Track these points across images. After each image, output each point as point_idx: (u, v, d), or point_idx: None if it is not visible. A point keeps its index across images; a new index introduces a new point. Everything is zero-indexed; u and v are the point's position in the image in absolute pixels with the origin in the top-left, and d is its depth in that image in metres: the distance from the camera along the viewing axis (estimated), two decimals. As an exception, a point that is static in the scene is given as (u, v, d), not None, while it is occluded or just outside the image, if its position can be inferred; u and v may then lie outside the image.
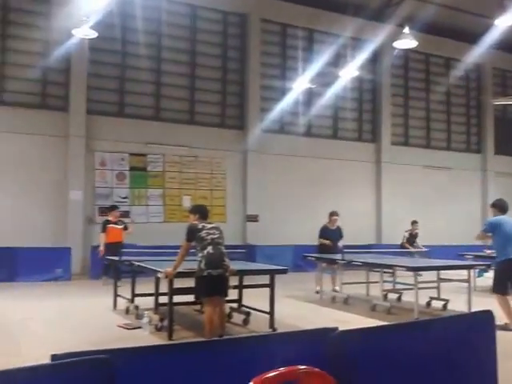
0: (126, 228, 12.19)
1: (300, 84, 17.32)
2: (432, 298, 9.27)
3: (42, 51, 14.39)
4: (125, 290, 8.60)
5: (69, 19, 12.74)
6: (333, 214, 11.34)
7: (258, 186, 16.95)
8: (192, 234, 6.33)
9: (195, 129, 16.41)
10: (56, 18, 14.11)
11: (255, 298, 7.54)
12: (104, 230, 11.88)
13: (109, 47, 15.30)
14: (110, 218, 12.09)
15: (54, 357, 2.35)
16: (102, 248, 11.65)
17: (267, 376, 1.96)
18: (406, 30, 13.00)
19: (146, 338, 6.57)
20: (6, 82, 14.17)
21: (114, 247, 10.68)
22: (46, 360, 2.31)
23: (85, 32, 11.42)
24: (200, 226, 6.36)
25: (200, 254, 6.23)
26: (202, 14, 16.79)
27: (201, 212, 6.67)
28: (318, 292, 10.56)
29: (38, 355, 5.07)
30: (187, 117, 16.64)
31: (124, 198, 15.49)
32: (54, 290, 11.11)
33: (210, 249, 6.20)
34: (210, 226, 6.45)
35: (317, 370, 2.08)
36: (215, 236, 6.33)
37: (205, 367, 2.47)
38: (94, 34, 11.53)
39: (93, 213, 14.92)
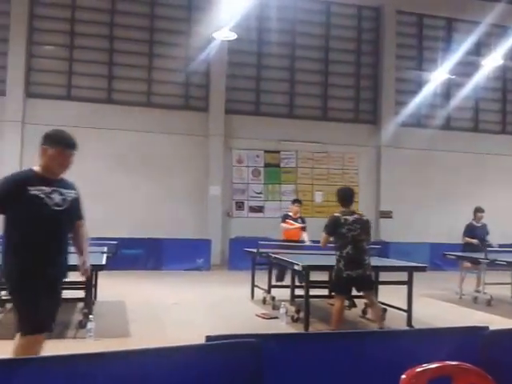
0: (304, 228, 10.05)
1: (438, 75, 16.57)
2: None
3: (185, 55, 15.37)
4: (260, 280, 8.94)
5: (209, 23, 13.45)
6: (478, 210, 10.74)
7: (391, 182, 16.56)
8: (332, 227, 6.06)
9: (328, 125, 16.46)
10: (197, 23, 14.98)
11: (390, 295, 7.44)
12: None
13: (245, 48, 15.89)
14: (290, 213, 10.22)
15: (208, 338, 2.57)
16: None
17: (421, 369, 1.95)
18: (560, 11, 11.87)
19: (283, 328, 6.79)
20: (153, 85, 15.36)
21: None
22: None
23: (225, 34, 11.98)
24: (342, 219, 6.02)
25: (338, 253, 6.02)
26: (336, 9, 16.78)
27: (340, 197, 6.25)
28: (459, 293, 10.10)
29: (183, 338, 5.51)
30: (320, 113, 16.76)
31: (259, 193, 16.05)
32: (196, 279, 11.85)
33: (349, 249, 5.94)
34: (352, 218, 6.05)
35: (473, 367, 2.03)
36: (356, 232, 5.99)
37: (353, 358, 2.54)
38: (233, 36, 12.06)
39: (230, 207, 15.67)
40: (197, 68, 15.24)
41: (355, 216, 6.15)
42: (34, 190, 3.50)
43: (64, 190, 3.67)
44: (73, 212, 3.75)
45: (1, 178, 3.69)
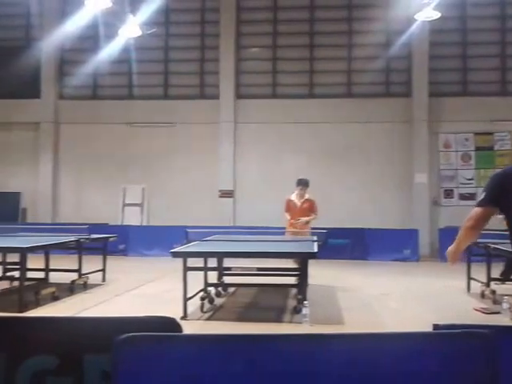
0: None
1: None
2: None
3: (384, 41, 15.04)
4: (477, 273, 8.35)
5: (407, 6, 12.97)
6: None
7: None
8: None
9: (550, 99, 14.65)
10: (395, 7, 14.50)
11: None
12: None
13: (448, 26, 14.93)
14: None
15: (435, 326, 2.47)
16: None
17: None
18: None
19: (506, 323, 6.25)
20: (353, 75, 15.36)
21: None
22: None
23: (427, 14, 11.43)
24: None
25: None
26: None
27: None
28: None
29: (397, 327, 5.41)
30: (539, 87, 15.00)
31: (469, 179, 14.97)
32: (403, 270, 11.54)
33: None
34: None
35: None
36: None
37: None
38: (436, 15, 11.45)
39: (438, 195, 14.91)
40: (397, 53, 14.82)
41: None
42: None
43: None
44: None
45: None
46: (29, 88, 15.99)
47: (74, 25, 15.06)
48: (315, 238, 7.95)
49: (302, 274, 6.66)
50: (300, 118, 14.97)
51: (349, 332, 2.11)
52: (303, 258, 6.59)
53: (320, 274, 9.46)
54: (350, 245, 13.26)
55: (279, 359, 2.14)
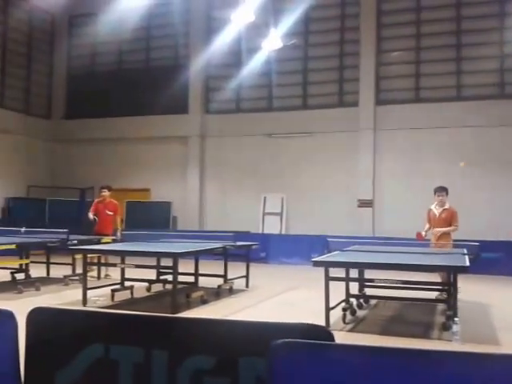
0: None
1: None
2: None
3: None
4: None
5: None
6: None
7: None
8: None
9: None
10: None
11: None
12: None
13: None
14: None
15: None
16: None
17: None
18: None
19: None
20: (505, 74, 14.25)
21: None
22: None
23: None
24: None
25: None
26: None
27: None
28: None
29: None
30: None
31: None
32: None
33: None
34: None
35: None
36: None
37: None
38: None
39: None
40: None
41: None
42: None
43: None
44: None
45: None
46: (178, 104, 17.09)
47: (219, 41, 15.85)
48: (465, 250, 7.42)
49: (452, 288, 6.24)
50: (446, 121, 14.19)
51: (508, 353, 1.90)
52: (453, 272, 6.17)
53: (470, 289, 8.84)
54: (504, 259, 12.19)
55: (433, 376, 2.02)
